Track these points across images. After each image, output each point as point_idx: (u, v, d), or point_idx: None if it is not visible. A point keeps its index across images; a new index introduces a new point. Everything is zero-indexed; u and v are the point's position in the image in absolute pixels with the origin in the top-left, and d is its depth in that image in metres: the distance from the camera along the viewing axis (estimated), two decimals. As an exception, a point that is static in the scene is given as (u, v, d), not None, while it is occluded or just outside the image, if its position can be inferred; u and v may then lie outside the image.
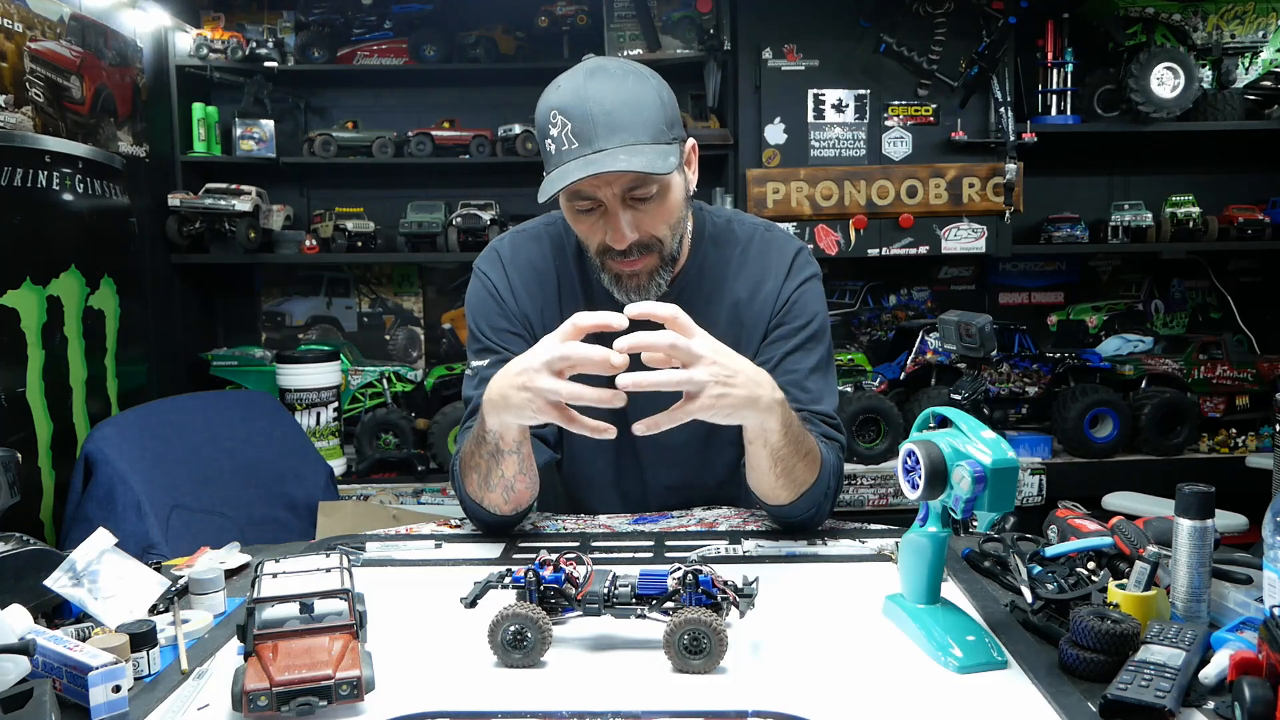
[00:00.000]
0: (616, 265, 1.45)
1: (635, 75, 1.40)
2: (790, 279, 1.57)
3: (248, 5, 3.49)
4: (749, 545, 1.43)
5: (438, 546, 1.45)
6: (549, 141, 1.38)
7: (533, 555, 1.12)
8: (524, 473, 1.42)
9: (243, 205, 3.27)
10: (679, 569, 1.06)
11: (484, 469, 1.41)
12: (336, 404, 3.32)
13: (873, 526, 1.53)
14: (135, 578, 1.14)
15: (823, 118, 3.31)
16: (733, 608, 1.04)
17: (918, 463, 1.06)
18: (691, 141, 1.50)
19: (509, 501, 1.44)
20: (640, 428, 1.23)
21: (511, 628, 1.03)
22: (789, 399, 1.51)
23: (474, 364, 1.57)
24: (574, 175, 1.32)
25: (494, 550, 1.43)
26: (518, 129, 3.38)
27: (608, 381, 1.20)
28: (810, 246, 3.04)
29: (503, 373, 1.30)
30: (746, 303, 1.57)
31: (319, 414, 3.25)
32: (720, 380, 1.21)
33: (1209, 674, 0.94)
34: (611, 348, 1.19)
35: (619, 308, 1.53)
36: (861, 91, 3.31)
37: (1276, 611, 0.88)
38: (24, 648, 0.93)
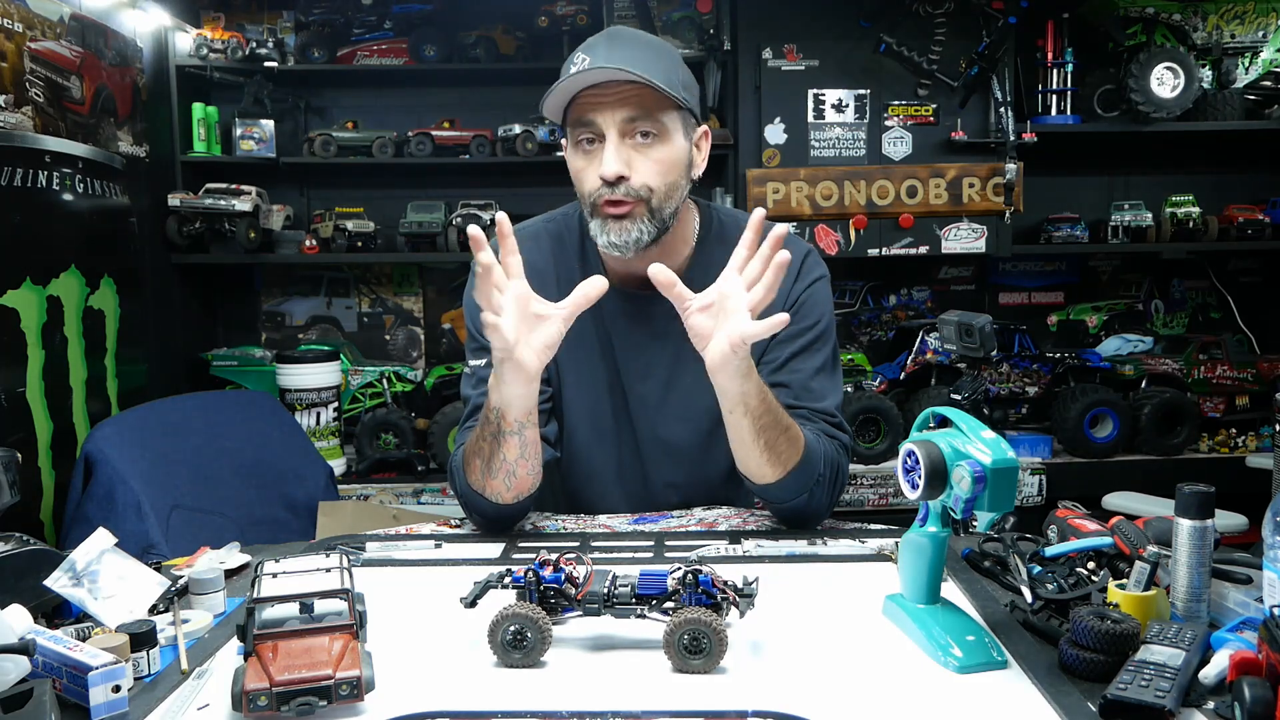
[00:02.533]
0: (605, 208, 1.46)
1: (660, 41, 1.50)
2: (799, 281, 1.58)
3: (248, 5, 3.49)
4: (749, 545, 1.43)
5: (438, 546, 1.45)
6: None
7: (533, 555, 1.13)
8: (525, 458, 1.43)
9: (243, 205, 3.27)
10: (679, 569, 1.06)
11: (487, 453, 1.41)
12: (336, 404, 3.32)
13: (873, 526, 1.53)
14: (135, 578, 1.14)
15: (823, 118, 3.31)
16: (733, 608, 1.04)
17: (918, 463, 1.06)
18: (704, 128, 1.53)
19: (510, 489, 1.44)
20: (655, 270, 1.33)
21: (511, 628, 1.03)
22: (793, 400, 1.52)
23: (471, 363, 1.57)
24: (584, 82, 1.38)
25: (494, 550, 1.43)
26: (518, 129, 3.38)
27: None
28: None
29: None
30: None
31: (319, 414, 3.25)
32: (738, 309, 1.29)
33: (1209, 674, 0.94)
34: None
35: (616, 294, 1.54)
36: (861, 91, 3.30)
37: (1276, 611, 0.88)
38: (24, 648, 0.92)
